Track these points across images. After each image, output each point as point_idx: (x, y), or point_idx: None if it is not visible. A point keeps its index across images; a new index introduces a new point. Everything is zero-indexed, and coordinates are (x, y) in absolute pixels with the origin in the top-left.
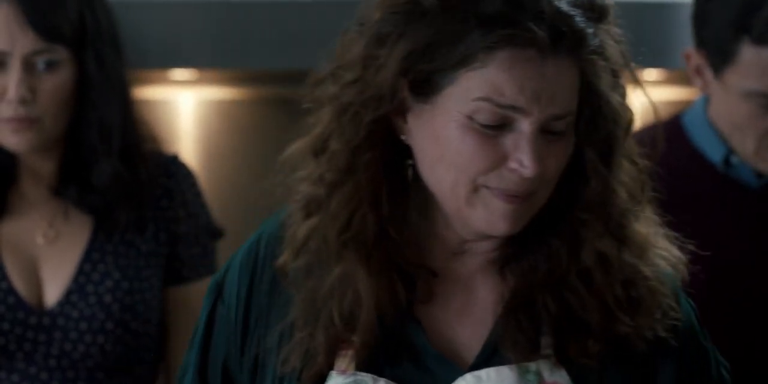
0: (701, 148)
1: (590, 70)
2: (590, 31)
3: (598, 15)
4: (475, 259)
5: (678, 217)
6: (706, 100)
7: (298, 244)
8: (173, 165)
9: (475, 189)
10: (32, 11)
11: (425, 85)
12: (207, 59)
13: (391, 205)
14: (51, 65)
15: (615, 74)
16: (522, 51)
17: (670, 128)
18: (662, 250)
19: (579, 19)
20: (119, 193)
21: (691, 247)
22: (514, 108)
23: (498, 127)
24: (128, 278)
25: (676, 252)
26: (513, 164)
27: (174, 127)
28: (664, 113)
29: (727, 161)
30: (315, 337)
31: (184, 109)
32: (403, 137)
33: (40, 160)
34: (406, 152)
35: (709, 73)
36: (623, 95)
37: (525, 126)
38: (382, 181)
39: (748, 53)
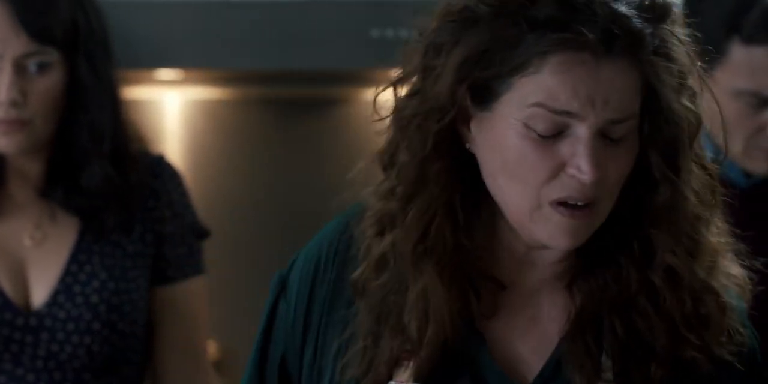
0: None
1: (651, 72)
2: (648, 31)
3: (659, 15)
4: (541, 272)
5: None
6: None
7: (374, 259)
8: (159, 165)
9: (540, 206)
10: (25, 13)
11: (484, 92)
12: (193, 59)
13: (465, 214)
14: (42, 67)
15: (681, 76)
16: (575, 55)
17: None
18: (728, 267)
19: (636, 21)
20: (109, 195)
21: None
22: (568, 113)
23: (555, 136)
24: (115, 279)
25: (739, 269)
26: (572, 170)
27: (160, 127)
28: None
29: (715, 160)
30: (380, 346)
31: (170, 109)
32: (468, 146)
33: (27, 161)
34: (473, 161)
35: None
36: (691, 98)
37: (581, 131)
38: (455, 190)
39: (739, 53)
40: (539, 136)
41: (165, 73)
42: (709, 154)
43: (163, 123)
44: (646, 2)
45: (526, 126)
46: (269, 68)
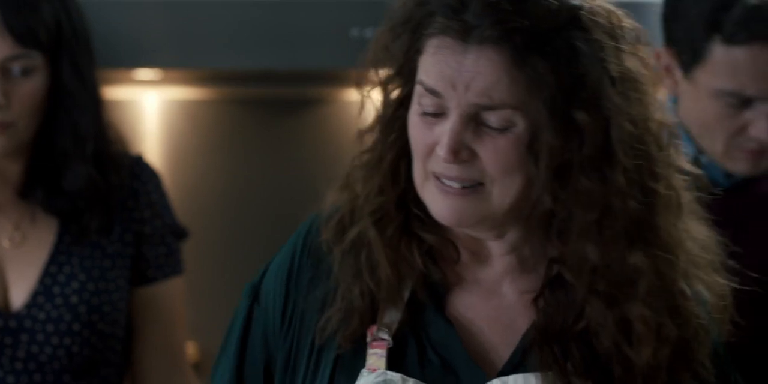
0: None
1: (529, 70)
2: (524, 24)
3: (559, 20)
4: (499, 263)
5: None
6: (675, 101)
7: (336, 220)
8: (138, 166)
9: (427, 177)
10: (10, 17)
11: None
12: (171, 59)
13: (409, 182)
14: (26, 70)
15: (578, 81)
16: (445, 39)
17: None
18: (705, 276)
19: (514, 17)
20: (90, 197)
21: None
22: (436, 92)
23: (437, 115)
24: (94, 279)
25: (720, 280)
26: (438, 150)
27: (138, 127)
28: None
29: (696, 161)
30: (355, 298)
31: (149, 109)
32: None
33: (7, 163)
34: None
35: (678, 73)
36: (584, 106)
37: (452, 112)
38: (400, 158)
39: (719, 53)
40: (424, 113)
41: (143, 73)
42: (689, 154)
43: (142, 123)
44: (553, 7)
45: (418, 103)
46: (248, 68)
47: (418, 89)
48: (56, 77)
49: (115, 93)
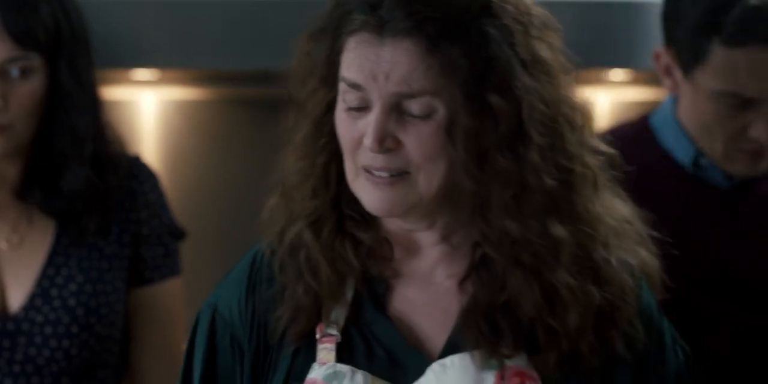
0: (670, 149)
1: (444, 57)
2: (436, 14)
3: (472, 9)
4: (430, 253)
5: (648, 215)
6: (675, 101)
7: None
8: (136, 166)
9: (357, 172)
10: (9, 19)
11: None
12: (169, 59)
13: (338, 185)
14: (25, 72)
15: (490, 64)
16: (363, 34)
17: (638, 129)
18: (632, 252)
19: (421, 5)
20: (89, 199)
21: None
22: (358, 86)
23: (362, 109)
24: (92, 281)
25: (651, 257)
26: (365, 140)
27: (136, 128)
28: (632, 114)
29: (696, 163)
30: (301, 297)
31: (146, 109)
32: None
33: (5, 164)
34: None
35: (678, 73)
36: (499, 89)
37: (375, 104)
38: (331, 161)
39: (719, 54)
40: (349, 108)
41: (140, 73)
42: (689, 155)
43: (139, 123)
44: None
45: (343, 100)
46: (246, 68)
47: (341, 86)
48: (54, 79)
49: (112, 93)
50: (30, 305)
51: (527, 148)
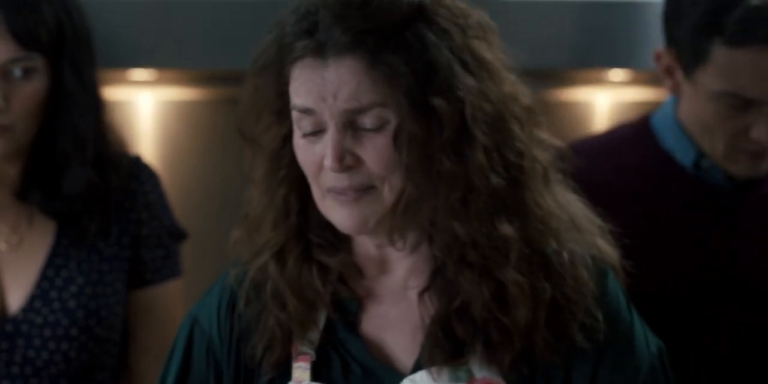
0: (671, 151)
1: (385, 68)
2: (372, 27)
3: (397, 13)
4: (400, 268)
5: (648, 217)
6: (675, 102)
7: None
8: (137, 166)
9: (324, 196)
10: (12, 19)
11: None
12: (166, 59)
13: (300, 214)
14: (27, 73)
15: (426, 61)
16: (306, 60)
17: (639, 130)
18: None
19: (355, 20)
20: (89, 200)
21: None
22: (309, 110)
23: (317, 133)
24: (92, 283)
25: (610, 249)
26: (325, 162)
27: (133, 128)
28: (632, 114)
29: (697, 164)
30: (272, 328)
31: (144, 109)
32: None
33: (4, 165)
34: None
35: (679, 74)
36: (443, 92)
37: (329, 125)
38: (292, 189)
39: (720, 54)
40: (304, 134)
41: (138, 74)
42: (691, 157)
43: (137, 124)
44: (396, 5)
45: (298, 127)
46: (244, 68)
47: (294, 115)
48: (57, 79)
49: (110, 93)
50: (29, 307)
51: (472, 148)
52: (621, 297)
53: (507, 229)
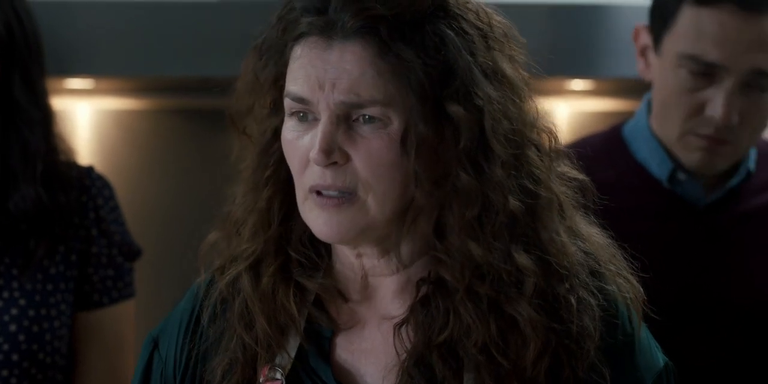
0: (644, 162)
1: (397, 62)
2: (388, 13)
3: (418, 3)
4: (387, 286)
5: (621, 233)
6: (648, 111)
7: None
8: (89, 178)
9: (306, 196)
10: None
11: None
12: (104, 67)
13: (282, 225)
14: None
15: (443, 60)
16: (310, 39)
17: (609, 140)
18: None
19: (372, 3)
20: (37, 219)
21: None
22: (302, 100)
23: (308, 120)
24: (35, 305)
25: (630, 277)
26: (311, 154)
27: (70, 139)
28: (593, 124)
29: (672, 177)
30: (235, 349)
31: (81, 119)
32: None
33: None
34: None
35: (652, 54)
36: (458, 96)
37: (322, 116)
38: (274, 198)
39: (687, 15)
40: (295, 124)
41: (75, 82)
42: (665, 170)
43: (74, 134)
44: None
45: (288, 116)
46: (183, 77)
47: (286, 103)
48: (7, 91)
49: None
50: None
51: (490, 163)
52: (635, 340)
53: (525, 259)
